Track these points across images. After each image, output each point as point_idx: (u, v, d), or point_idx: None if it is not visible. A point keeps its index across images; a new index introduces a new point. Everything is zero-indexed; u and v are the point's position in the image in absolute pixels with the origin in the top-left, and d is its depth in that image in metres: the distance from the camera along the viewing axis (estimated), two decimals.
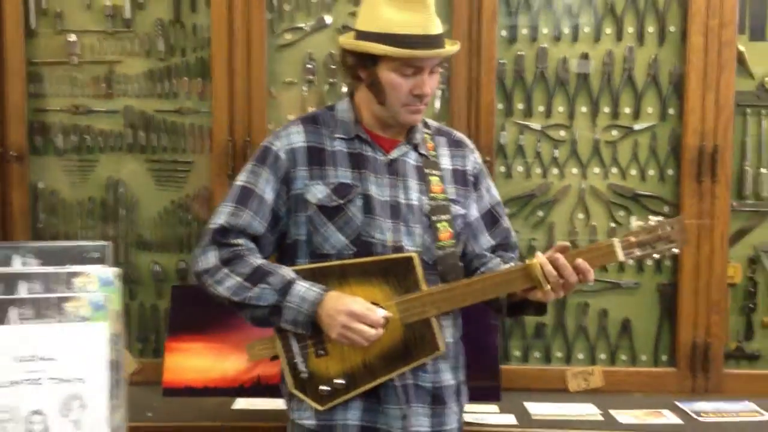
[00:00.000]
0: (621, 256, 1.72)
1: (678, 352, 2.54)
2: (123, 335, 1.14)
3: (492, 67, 2.50)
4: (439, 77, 1.87)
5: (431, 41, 1.76)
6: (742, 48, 2.53)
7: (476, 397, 2.34)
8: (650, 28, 2.56)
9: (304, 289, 1.76)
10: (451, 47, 1.81)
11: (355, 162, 1.83)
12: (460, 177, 1.93)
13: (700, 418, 2.31)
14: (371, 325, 1.72)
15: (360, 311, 1.72)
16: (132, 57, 2.63)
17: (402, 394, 1.82)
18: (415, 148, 1.89)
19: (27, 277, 1.13)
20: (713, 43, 2.48)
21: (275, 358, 1.84)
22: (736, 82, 2.50)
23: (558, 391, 2.53)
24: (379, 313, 1.72)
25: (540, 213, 2.60)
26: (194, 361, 2.52)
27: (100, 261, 1.21)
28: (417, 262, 1.76)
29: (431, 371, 1.85)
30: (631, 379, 2.55)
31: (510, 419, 2.30)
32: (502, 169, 2.58)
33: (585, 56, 2.56)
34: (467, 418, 2.27)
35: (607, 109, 2.57)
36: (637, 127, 2.56)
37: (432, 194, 1.85)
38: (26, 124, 2.59)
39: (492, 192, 2.00)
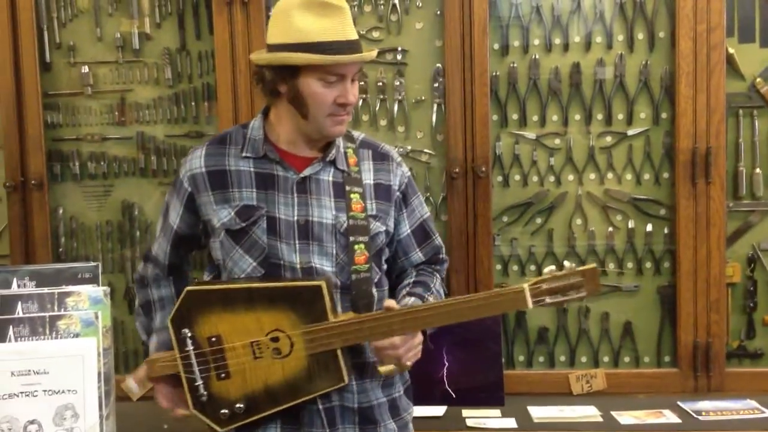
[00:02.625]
0: (530, 303, 1.67)
1: (679, 352, 2.57)
2: (112, 349, 1.23)
3: (485, 79, 2.56)
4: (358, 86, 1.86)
5: (352, 46, 1.72)
6: (732, 50, 2.57)
7: (480, 402, 2.45)
8: (640, 35, 2.61)
9: (151, 346, 1.89)
10: (369, 52, 1.78)
11: (262, 182, 1.79)
12: (383, 192, 1.87)
13: (700, 417, 2.34)
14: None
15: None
16: (142, 85, 2.75)
17: (325, 416, 1.78)
18: (333, 163, 1.83)
19: (23, 297, 1.23)
20: (702, 47, 2.52)
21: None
22: (728, 84, 2.54)
23: (562, 395, 2.57)
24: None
25: (538, 220, 2.65)
26: None
27: (91, 281, 1.31)
28: (325, 291, 1.71)
29: (357, 390, 1.81)
30: (634, 381, 2.59)
31: (511, 423, 2.34)
32: (499, 178, 2.64)
33: (601, 63, 2.60)
34: (469, 422, 2.34)
35: (600, 116, 2.62)
36: (630, 132, 2.61)
37: (351, 213, 1.80)
38: (44, 152, 2.72)
39: (422, 207, 1.96)
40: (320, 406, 1.78)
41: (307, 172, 1.82)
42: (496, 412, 2.43)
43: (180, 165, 1.92)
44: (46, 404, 1.16)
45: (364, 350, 1.82)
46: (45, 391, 1.16)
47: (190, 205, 1.85)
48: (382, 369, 1.76)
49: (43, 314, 1.21)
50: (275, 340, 1.73)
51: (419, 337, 1.77)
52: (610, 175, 2.62)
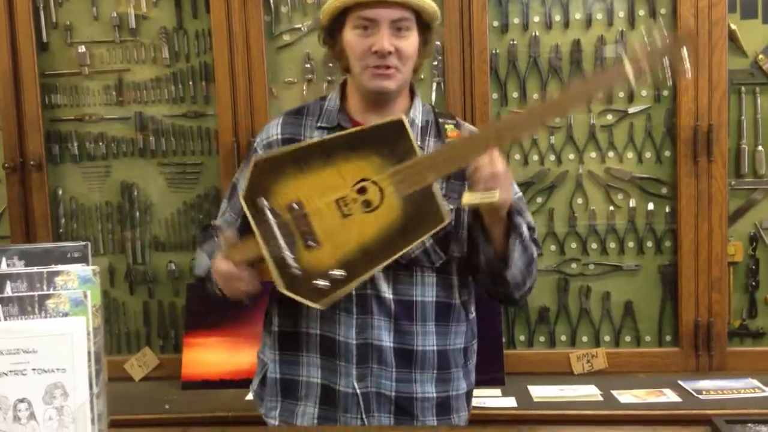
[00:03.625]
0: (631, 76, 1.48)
1: (681, 331, 2.57)
2: (102, 328, 1.23)
3: (485, 57, 2.54)
4: (418, 42, 1.69)
5: None
6: (734, 26, 2.54)
7: (481, 382, 2.36)
8: (641, 11, 2.58)
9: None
10: None
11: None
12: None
13: (700, 396, 2.34)
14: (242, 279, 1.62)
15: (226, 271, 1.63)
16: (139, 65, 2.74)
17: (362, 401, 1.72)
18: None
19: (12, 277, 1.22)
20: (704, 23, 2.49)
21: (261, 261, 1.63)
22: (730, 61, 2.52)
23: (563, 374, 2.57)
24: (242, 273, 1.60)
25: (539, 199, 2.64)
26: (210, 356, 2.63)
27: (81, 260, 1.30)
28: (407, 124, 1.54)
29: (396, 378, 1.72)
30: (635, 360, 2.59)
31: (511, 402, 2.34)
32: None
33: (601, 40, 2.56)
34: None
35: (601, 94, 2.59)
36: (631, 110, 2.59)
37: None
38: (43, 133, 2.72)
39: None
40: (357, 390, 1.72)
41: None
42: (497, 391, 2.43)
43: (256, 133, 1.85)
44: (36, 383, 1.16)
45: (412, 336, 1.72)
46: (34, 369, 1.16)
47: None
48: (467, 197, 1.53)
49: (32, 293, 1.20)
50: (362, 191, 1.55)
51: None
52: (611, 154, 2.60)
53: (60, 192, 2.78)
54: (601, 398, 2.36)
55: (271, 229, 1.56)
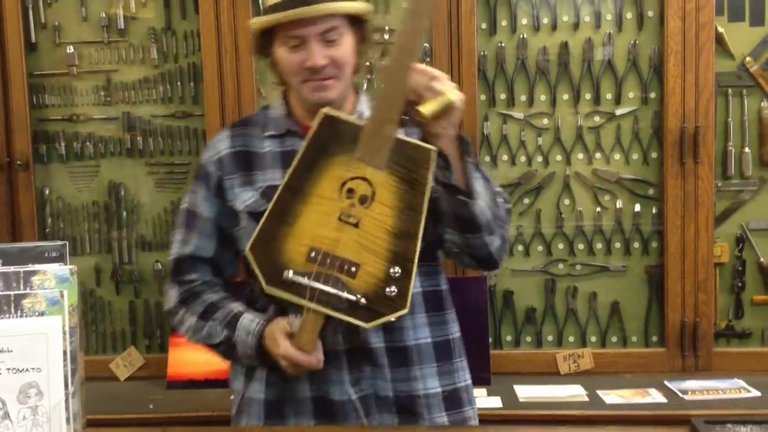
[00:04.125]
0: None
1: (667, 332, 2.57)
2: (79, 328, 1.23)
3: (473, 59, 2.55)
4: (352, 44, 1.64)
5: (307, 1, 1.55)
6: (721, 29, 2.54)
7: None
8: (628, 14, 2.59)
9: (247, 321, 1.63)
10: (325, 5, 1.55)
11: (287, 160, 1.61)
12: None
13: (686, 397, 2.34)
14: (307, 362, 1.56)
15: (290, 356, 1.56)
16: (128, 65, 2.73)
17: (360, 406, 1.65)
18: None
19: None
20: (691, 26, 2.50)
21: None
22: (717, 64, 2.52)
23: (549, 374, 2.57)
24: (312, 358, 1.55)
25: (526, 200, 2.64)
26: (195, 355, 2.62)
27: (59, 260, 1.30)
28: (333, 112, 1.54)
29: (392, 378, 1.66)
30: (622, 360, 2.59)
31: (496, 402, 2.34)
32: (487, 158, 2.62)
33: (589, 42, 2.57)
34: None
35: (588, 96, 2.60)
36: (618, 111, 2.59)
37: None
38: (30, 133, 2.71)
39: None
40: (353, 396, 1.64)
41: None
42: (482, 391, 2.42)
43: (201, 152, 1.79)
44: (11, 382, 1.15)
45: (403, 332, 1.67)
46: (9, 369, 1.16)
47: (219, 189, 1.70)
48: (424, 108, 1.49)
49: (8, 293, 1.20)
50: (351, 193, 1.53)
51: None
52: (598, 155, 2.61)
53: (47, 192, 2.77)
54: (586, 398, 2.36)
55: (315, 290, 1.52)
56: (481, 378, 2.48)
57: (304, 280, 1.51)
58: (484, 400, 2.36)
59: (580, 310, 2.65)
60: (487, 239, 1.63)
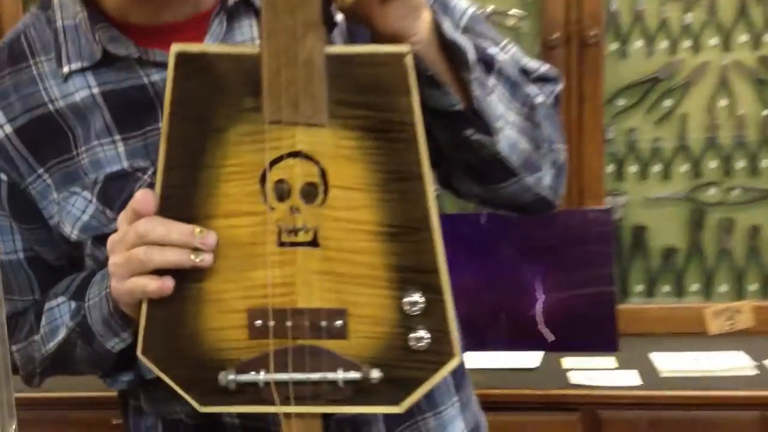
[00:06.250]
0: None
1: None
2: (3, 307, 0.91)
3: None
4: None
5: None
6: None
7: (586, 347, 2.11)
8: None
9: (100, 276, 0.95)
10: None
11: (127, 113, 0.95)
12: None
13: None
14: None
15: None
16: None
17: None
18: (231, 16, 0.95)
19: None
20: None
21: None
22: None
23: (694, 335, 2.17)
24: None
25: (667, 103, 2.19)
26: None
27: None
28: (197, 48, 0.90)
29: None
30: None
31: (632, 378, 1.89)
32: (614, 46, 2.15)
33: None
34: (571, 378, 1.91)
35: None
36: None
37: None
38: None
39: None
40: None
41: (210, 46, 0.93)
42: (609, 361, 2.00)
43: None
44: None
45: None
46: None
47: (22, 208, 0.99)
48: None
49: None
50: (281, 187, 0.88)
51: None
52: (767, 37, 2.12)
53: None
54: (756, 371, 1.90)
55: (286, 385, 0.91)
56: (605, 341, 2.10)
57: (261, 376, 0.90)
58: (613, 375, 1.92)
59: (736, 250, 2.22)
60: (530, 180, 0.94)
